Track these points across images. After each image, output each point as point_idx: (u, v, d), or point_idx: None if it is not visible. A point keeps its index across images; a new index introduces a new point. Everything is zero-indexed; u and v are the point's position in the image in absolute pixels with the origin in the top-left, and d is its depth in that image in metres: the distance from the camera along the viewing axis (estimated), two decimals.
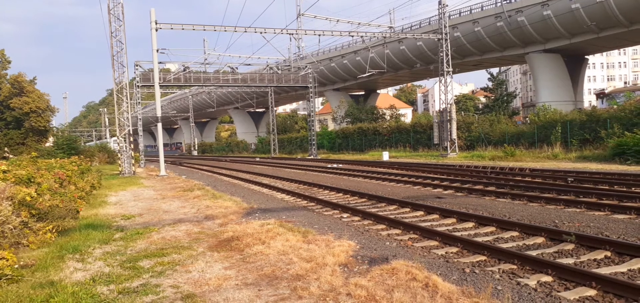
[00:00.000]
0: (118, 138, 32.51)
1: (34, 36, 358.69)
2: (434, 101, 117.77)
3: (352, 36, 41.66)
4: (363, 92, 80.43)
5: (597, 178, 16.84)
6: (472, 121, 42.57)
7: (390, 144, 48.47)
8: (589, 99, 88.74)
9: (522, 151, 31.69)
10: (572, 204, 11.76)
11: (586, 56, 53.57)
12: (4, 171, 10.26)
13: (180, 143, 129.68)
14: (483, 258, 7.43)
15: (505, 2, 46.74)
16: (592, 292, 5.71)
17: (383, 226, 10.25)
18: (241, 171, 31.23)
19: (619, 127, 27.25)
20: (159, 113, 31.73)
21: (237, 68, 46.94)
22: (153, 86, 33.89)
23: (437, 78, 39.80)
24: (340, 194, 16.50)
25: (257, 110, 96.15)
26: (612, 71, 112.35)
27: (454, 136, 37.24)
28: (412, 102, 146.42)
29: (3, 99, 55.30)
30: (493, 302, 5.34)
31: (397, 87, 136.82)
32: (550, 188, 14.73)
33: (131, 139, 32.84)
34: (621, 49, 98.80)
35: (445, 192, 15.86)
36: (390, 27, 47.64)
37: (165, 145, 71.95)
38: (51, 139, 58.08)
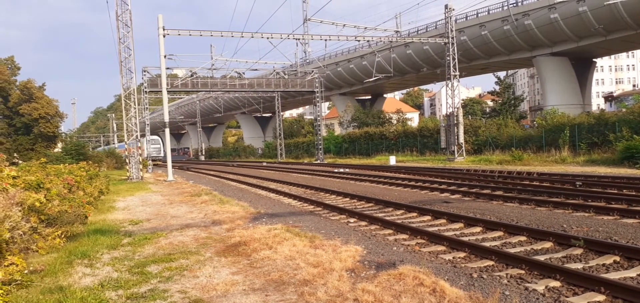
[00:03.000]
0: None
1: (42, 43, 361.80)
2: (441, 104, 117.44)
3: (359, 41, 41.67)
4: (369, 97, 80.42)
5: (605, 182, 16.74)
6: (480, 125, 42.44)
7: (397, 149, 48.40)
8: (597, 103, 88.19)
9: (530, 155, 31.53)
10: (581, 208, 11.68)
11: (594, 59, 53.30)
12: (14, 177, 10.33)
13: (188, 148, 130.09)
14: (491, 263, 7.40)
15: (512, 5, 46.64)
16: (601, 298, 5.67)
17: (390, 231, 10.24)
18: (248, 175, 31.29)
19: (627, 130, 27.04)
20: (166, 119, 31.90)
21: (244, 73, 47.16)
22: (161, 91, 34.09)
23: (444, 82, 39.73)
24: (347, 198, 16.50)
25: (264, 115, 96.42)
26: (620, 73, 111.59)
27: (461, 140, 37.12)
28: (418, 106, 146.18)
29: (12, 105, 55.81)
30: None
31: (404, 91, 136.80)
32: (559, 192, 14.65)
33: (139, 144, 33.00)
34: (629, 52, 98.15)
35: (453, 197, 15.81)
36: (397, 32, 47.58)
37: (172, 150, 72.19)
38: (60, 144, 58.53)
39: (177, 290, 6.36)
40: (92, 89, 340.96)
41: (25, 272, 7.07)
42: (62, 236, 9.58)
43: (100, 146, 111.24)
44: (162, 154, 71.13)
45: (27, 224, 8.45)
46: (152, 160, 61.13)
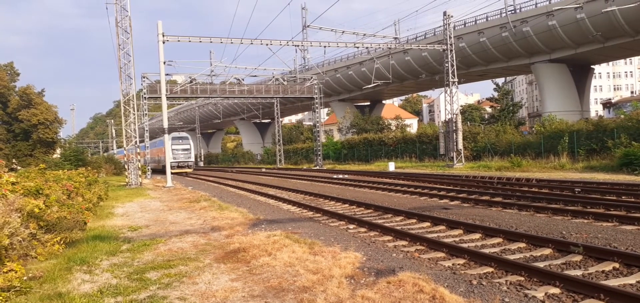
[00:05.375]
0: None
1: (42, 49, 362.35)
2: (440, 111, 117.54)
3: (358, 47, 41.82)
4: (368, 103, 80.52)
5: (604, 189, 16.75)
6: (478, 132, 42.49)
7: (396, 155, 48.42)
8: (595, 109, 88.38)
9: (529, 161, 31.56)
10: (580, 215, 11.69)
11: (592, 66, 53.45)
12: (13, 183, 10.33)
13: None
14: (490, 269, 7.40)
15: (510, 12, 46.81)
16: None
17: (389, 238, 10.23)
18: (247, 181, 31.28)
19: (626, 137, 27.10)
20: (165, 125, 31.90)
21: (243, 79, 47.22)
22: (160, 97, 34.10)
23: (443, 88, 39.82)
24: (347, 205, 16.49)
25: (263, 121, 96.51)
26: (618, 80, 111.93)
27: (460, 146, 37.15)
28: (417, 113, 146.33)
29: (12, 111, 55.81)
30: None
31: (403, 97, 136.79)
32: (558, 198, 14.66)
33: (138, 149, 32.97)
34: (627, 59, 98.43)
35: (452, 203, 15.82)
36: (396, 38, 47.77)
37: None
38: (59, 150, 58.48)
39: (176, 297, 6.35)
40: (91, 95, 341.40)
41: (24, 278, 7.05)
42: (61, 242, 9.57)
43: (99, 152, 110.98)
44: (191, 159, 52.35)
45: (26, 230, 8.45)
46: (179, 167, 49.32)
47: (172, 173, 46.98)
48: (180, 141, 51.14)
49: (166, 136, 32.32)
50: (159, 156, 53.53)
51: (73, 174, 19.62)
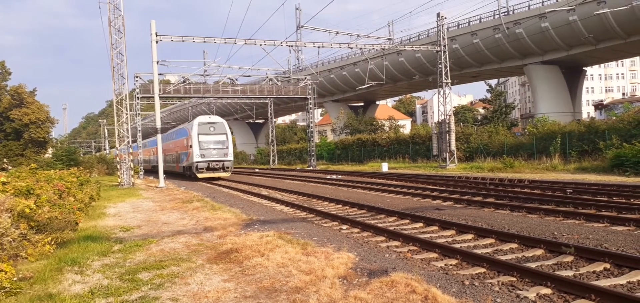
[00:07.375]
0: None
1: (34, 48, 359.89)
2: (433, 112, 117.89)
3: (351, 48, 41.84)
4: (362, 104, 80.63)
5: (595, 190, 16.86)
6: (471, 133, 42.65)
7: (389, 156, 48.49)
8: (587, 111, 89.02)
9: (521, 162, 31.70)
10: (571, 216, 11.76)
11: (584, 68, 53.84)
12: (3, 183, 10.26)
13: None
14: (482, 270, 7.42)
15: (503, 14, 47.05)
16: None
17: (382, 238, 10.24)
18: (240, 182, 31.20)
19: (617, 138, 27.29)
20: (158, 125, 31.75)
21: (236, 80, 47.10)
22: (153, 97, 33.94)
23: (436, 89, 39.94)
24: (340, 205, 16.49)
25: (257, 121, 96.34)
26: (610, 82, 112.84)
27: (453, 147, 37.27)
28: (411, 114, 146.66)
29: (3, 110, 55.42)
30: None
31: (396, 98, 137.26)
32: (549, 199, 14.74)
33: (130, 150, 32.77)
34: (619, 61, 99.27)
35: (445, 203, 15.86)
36: (389, 39, 47.88)
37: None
38: (50, 150, 58.13)
39: (168, 298, 6.32)
40: (84, 94, 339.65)
41: (15, 279, 6.99)
42: (52, 242, 9.49)
43: (91, 152, 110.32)
44: (230, 157, 35.21)
45: (17, 230, 8.38)
46: (210, 169, 34.00)
47: (202, 179, 33.99)
48: (212, 128, 34.65)
49: (159, 135, 32.14)
50: (164, 155, 42.50)
51: (65, 174, 19.50)
